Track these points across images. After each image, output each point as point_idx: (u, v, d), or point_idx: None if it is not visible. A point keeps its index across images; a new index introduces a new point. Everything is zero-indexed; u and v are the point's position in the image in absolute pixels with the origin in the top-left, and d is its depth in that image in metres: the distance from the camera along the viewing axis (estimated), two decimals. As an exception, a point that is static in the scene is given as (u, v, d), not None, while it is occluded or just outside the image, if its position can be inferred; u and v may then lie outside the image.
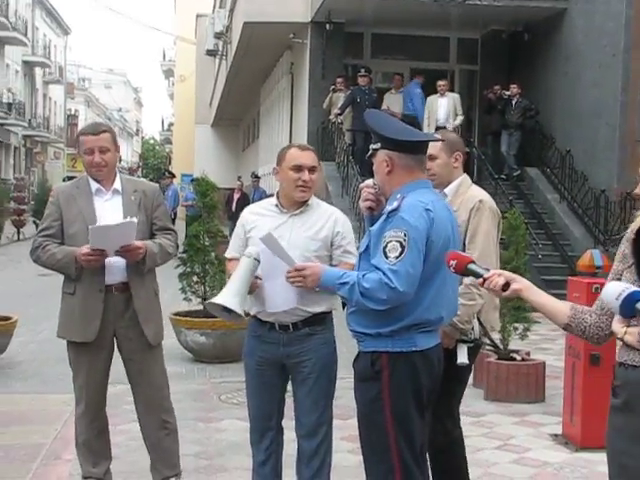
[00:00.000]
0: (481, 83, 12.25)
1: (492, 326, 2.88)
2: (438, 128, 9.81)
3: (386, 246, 2.20)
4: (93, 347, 2.98)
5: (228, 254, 2.84)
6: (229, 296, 2.57)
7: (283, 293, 2.55)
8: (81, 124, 36.43)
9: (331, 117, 11.02)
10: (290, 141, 12.59)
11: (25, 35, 28.82)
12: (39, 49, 32.91)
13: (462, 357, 2.65)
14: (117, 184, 3.10)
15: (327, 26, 11.15)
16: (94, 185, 3.08)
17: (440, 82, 10.74)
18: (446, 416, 2.70)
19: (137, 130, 65.24)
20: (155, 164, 51.97)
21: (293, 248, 2.54)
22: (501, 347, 4.71)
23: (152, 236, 3.07)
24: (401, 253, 2.19)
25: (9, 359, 5.45)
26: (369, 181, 2.46)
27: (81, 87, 46.00)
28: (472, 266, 1.93)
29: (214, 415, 4.14)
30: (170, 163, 35.96)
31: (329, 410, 2.72)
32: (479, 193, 2.82)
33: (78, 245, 2.90)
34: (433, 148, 2.59)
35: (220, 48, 18.08)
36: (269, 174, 14.23)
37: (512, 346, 4.84)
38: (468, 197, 2.75)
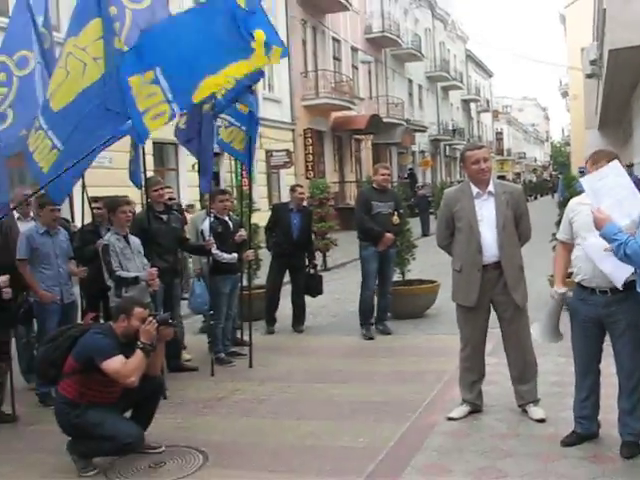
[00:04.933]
0: None
1: None
2: None
3: None
4: (473, 309, 5.19)
5: (559, 236, 4.72)
6: (547, 336, 4.68)
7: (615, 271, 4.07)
8: (505, 139, 61.45)
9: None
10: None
11: (461, 82, 51.18)
12: (472, 90, 56.93)
13: None
14: (491, 187, 5.20)
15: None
16: (474, 189, 5.20)
17: None
18: None
19: (546, 138, 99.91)
20: (561, 161, 74.92)
21: None
22: None
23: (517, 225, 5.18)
24: None
25: (437, 310, 9.61)
26: None
27: (504, 112, 72.78)
28: None
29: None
30: (569, 160, 55.10)
31: None
32: None
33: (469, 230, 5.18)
34: None
35: (596, 72, 26.21)
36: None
37: None
38: None
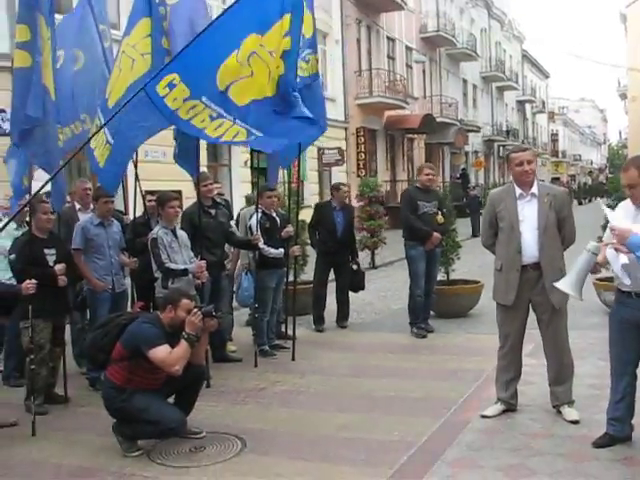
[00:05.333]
0: None
1: None
2: None
3: None
4: (511, 309, 5.24)
5: (605, 238, 4.58)
6: (569, 284, 4.35)
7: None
8: (561, 140, 60.04)
9: None
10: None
11: (516, 82, 50.57)
12: (527, 90, 56.14)
13: None
14: (534, 189, 5.20)
15: None
16: (518, 190, 5.23)
17: None
18: None
19: (604, 140, 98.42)
20: (618, 164, 74.63)
21: None
22: None
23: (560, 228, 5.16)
24: None
25: (480, 310, 9.53)
26: None
27: (560, 113, 71.45)
28: None
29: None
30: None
31: None
32: None
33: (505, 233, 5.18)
34: None
35: None
36: None
37: None
38: None
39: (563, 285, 4.48)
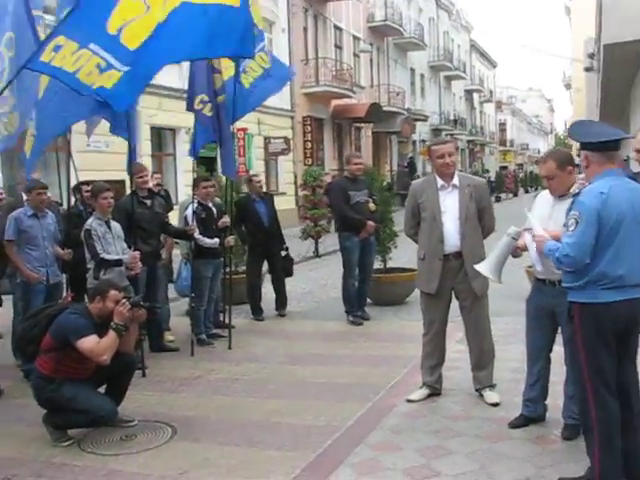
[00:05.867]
0: None
1: None
2: None
3: (567, 222, 3.69)
4: (434, 297, 5.44)
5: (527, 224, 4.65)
6: (489, 268, 4.59)
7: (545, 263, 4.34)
8: (508, 130, 61.15)
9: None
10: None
11: (464, 72, 51.23)
12: (475, 80, 56.75)
13: None
14: (455, 180, 5.42)
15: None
16: (439, 182, 5.44)
17: None
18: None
19: (551, 130, 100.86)
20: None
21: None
22: None
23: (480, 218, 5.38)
24: (575, 227, 3.60)
25: (414, 298, 9.19)
26: None
27: (508, 102, 73.13)
28: None
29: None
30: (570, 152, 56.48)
31: None
32: None
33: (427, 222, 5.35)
34: None
35: (594, 66, 27.66)
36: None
37: None
38: None
39: (482, 268, 4.68)
